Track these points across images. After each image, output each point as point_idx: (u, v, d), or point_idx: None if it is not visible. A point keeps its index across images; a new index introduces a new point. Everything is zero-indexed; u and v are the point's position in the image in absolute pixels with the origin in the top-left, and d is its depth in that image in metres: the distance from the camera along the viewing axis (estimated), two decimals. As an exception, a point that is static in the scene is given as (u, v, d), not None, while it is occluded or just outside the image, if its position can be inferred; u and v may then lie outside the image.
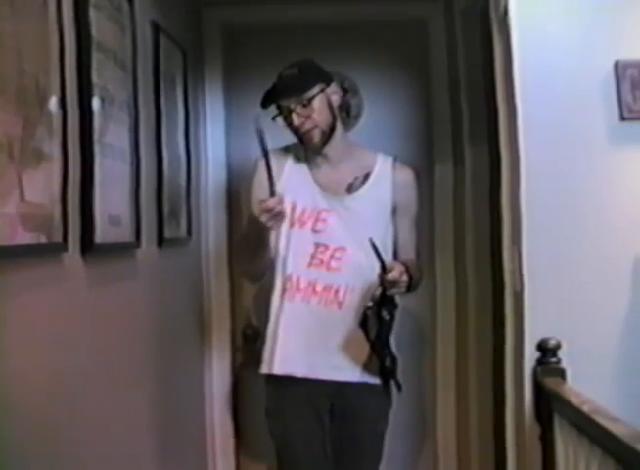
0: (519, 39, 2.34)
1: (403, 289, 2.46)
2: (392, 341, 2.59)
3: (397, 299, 2.54)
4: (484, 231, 3.28)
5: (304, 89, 2.53)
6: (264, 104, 2.56)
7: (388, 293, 2.45)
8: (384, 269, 2.40)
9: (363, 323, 2.47)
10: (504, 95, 2.45)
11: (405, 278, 2.43)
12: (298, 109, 2.53)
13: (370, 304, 2.47)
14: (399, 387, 2.60)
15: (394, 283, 2.41)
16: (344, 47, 3.55)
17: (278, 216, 2.38)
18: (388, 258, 2.63)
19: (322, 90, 2.56)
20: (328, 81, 2.60)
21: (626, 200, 2.36)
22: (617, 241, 2.34)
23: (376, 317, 2.46)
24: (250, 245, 2.59)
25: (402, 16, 3.58)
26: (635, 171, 2.36)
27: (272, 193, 2.37)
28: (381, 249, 2.46)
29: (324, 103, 2.56)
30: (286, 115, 2.55)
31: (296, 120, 2.54)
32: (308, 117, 2.54)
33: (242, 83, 3.58)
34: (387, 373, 2.56)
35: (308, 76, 2.56)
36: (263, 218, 2.36)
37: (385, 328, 2.49)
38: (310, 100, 2.53)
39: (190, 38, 3.40)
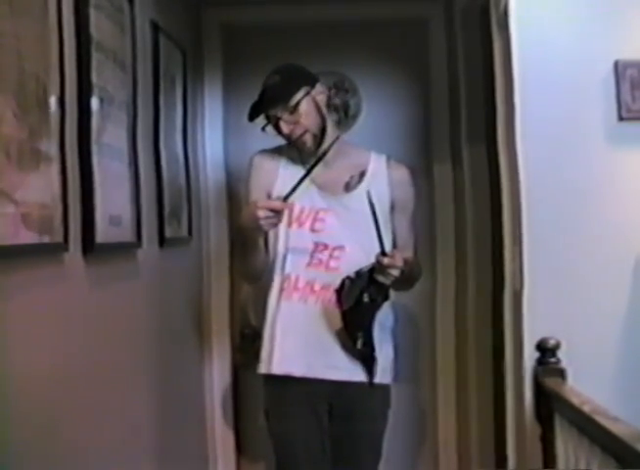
0: (518, 39, 2.34)
1: (389, 281, 2.45)
2: (389, 335, 2.60)
3: (395, 294, 2.54)
4: (485, 231, 3.29)
5: (288, 96, 2.52)
6: (251, 117, 2.55)
7: (375, 275, 2.44)
8: (383, 251, 2.40)
9: (338, 289, 2.47)
10: (503, 94, 2.45)
11: (396, 273, 2.42)
12: (285, 116, 2.52)
13: (352, 275, 2.47)
14: (371, 379, 2.57)
15: (385, 267, 2.40)
16: (344, 47, 3.56)
17: (274, 219, 2.37)
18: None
19: (307, 93, 2.54)
20: (312, 83, 2.58)
21: (625, 200, 2.36)
22: (617, 241, 2.34)
23: (356, 295, 2.45)
24: (241, 245, 2.60)
25: (402, 15, 3.58)
26: (633, 171, 2.37)
27: (285, 198, 2.38)
28: (378, 246, 2.48)
29: (311, 106, 2.55)
30: (275, 123, 2.55)
31: (285, 128, 2.53)
32: (297, 122, 2.53)
33: (241, 83, 3.58)
34: (363, 358, 2.54)
35: (290, 82, 2.54)
36: (260, 214, 2.34)
37: (361, 309, 2.47)
38: (296, 106, 2.52)
39: (190, 38, 3.40)
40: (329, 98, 2.65)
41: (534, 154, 2.33)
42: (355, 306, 2.46)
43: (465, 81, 3.44)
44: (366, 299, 2.46)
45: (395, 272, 2.42)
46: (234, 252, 2.75)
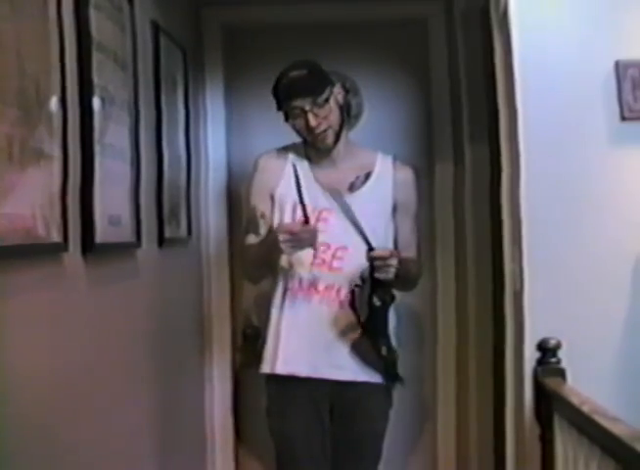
0: (519, 39, 2.34)
1: (391, 275, 2.45)
2: (392, 336, 2.60)
3: (396, 294, 2.55)
4: (485, 231, 3.28)
5: (319, 90, 2.54)
6: (279, 106, 2.56)
7: (377, 275, 2.44)
8: (369, 246, 2.43)
9: (352, 302, 2.47)
10: (504, 95, 2.45)
11: (394, 262, 2.43)
12: (315, 110, 2.53)
13: (359, 282, 2.47)
14: (401, 381, 2.59)
15: (381, 260, 2.41)
16: (345, 47, 3.56)
17: (297, 244, 2.39)
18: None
19: (331, 91, 2.58)
20: (333, 82, 2.61)
21: (627, 200, 2.36)
22: (617, 241, 2.34)
23: (367, 302, 2.45)
24: (258, 258, 2.61)
25: (402, 15, 3.58)
26: (635, 171, 2.36)
27: (306, 220, 2.41)
28: (381, 247, 2.49)
29: (335, 103, 2.58)
30: (298, 116, 2.55)
31: (312, 121, 2.53)
32: (325, 117, 2.55)
33: (242, 83, 3.59)
34: (386, 364, 2.54)
35: (319, 77, 2.57)
36: (281, 238, 2.37)
37: (376, 314, 2.47)
38: (326, 100, 2.54)
39: (190, 38, 3.40)
40: (344, 98, 2.67)
41: (536, 154, 2.33)
42: (371, 313, 2.47)
43: (466, 81, 3.44)
44: (378, 302, 2.47)
45: (393, 262, 2.42)
46: (245, 257, 2.73)
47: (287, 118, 2.58)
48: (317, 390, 2.58)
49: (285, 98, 2.54)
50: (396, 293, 2.64)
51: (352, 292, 2.48)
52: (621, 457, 1.64)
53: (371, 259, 2.44)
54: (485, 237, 3.29)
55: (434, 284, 3.55)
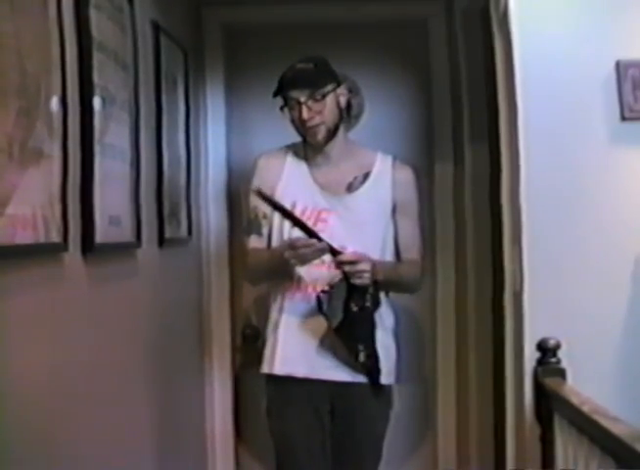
0: (519, 39, 2.34)
1: (366, 280, 2.45)
2: (390, 336, 2.60)
3: (396, 295, 2.54)
4: (485, 231, 3.29)
5: (319, 85, 2.55)
6: (276, 93, 2.57)
7: (353, 281, 2.44)
8: (332, 252, 2.43)
9: (319, 307, 2.47)
10: (505, 95, 2.45)
11: (365, 266, 2.43)
12: (310, 103, 2.54)
13: (326, 288, 2.47)
14: (374, 383, 2.56)
15: (350, 265, 2.42)
16: (345, 47, 3.55)
17: (304, 259, 2.41)
18: (389, 257, 2.64)
19: (334, 89, 2.58)
20: (339, 82, 2.62)
21: (627, 200, 2.36)
22: (617, 241, 2.34)
23: (341, 306, 2.45)
24: (271, 269, 2.61)
25: (402, 15, 3.58)
26: (635, 171, 2.37)
27: (317, 236, 2.41)
28: (380, 248, 2.48)
29: (334, 102, 2.58)
30: (293, 107, 2.56)
31: (305, 114, 2.54)
32: (319, 112, 2.55)
33: (243, 83, 3.59)
34: (365, 370, 2.53)
35: (324, 73, 2.58)
36: (286, 254, 2.40)
37: (352, 320, 2.46)
38: (324, 96, 2.55)
39: (191, 38, 3.40)
40: (348, 101, 2.67)
41: (536, 154, 2.33)
42: (346, 319, 2.46)
43: (467, 81, 3.44)
44: (354, 308, 2.45)
45: (364, 266, 2.42)
46: (249, 260, 2.72)
47: (282, 108, 2.59)
48: (315, 390, 2.58)
49: (285, 87, 2.56)
50: (396, 294, 2.64)
51: (317, 297, 2.48)
52: (622, 457, 1.64)
53: (338, 264, 2.44)
54: (485, 237, 3.29)
55: (434, 284, 3.55)
